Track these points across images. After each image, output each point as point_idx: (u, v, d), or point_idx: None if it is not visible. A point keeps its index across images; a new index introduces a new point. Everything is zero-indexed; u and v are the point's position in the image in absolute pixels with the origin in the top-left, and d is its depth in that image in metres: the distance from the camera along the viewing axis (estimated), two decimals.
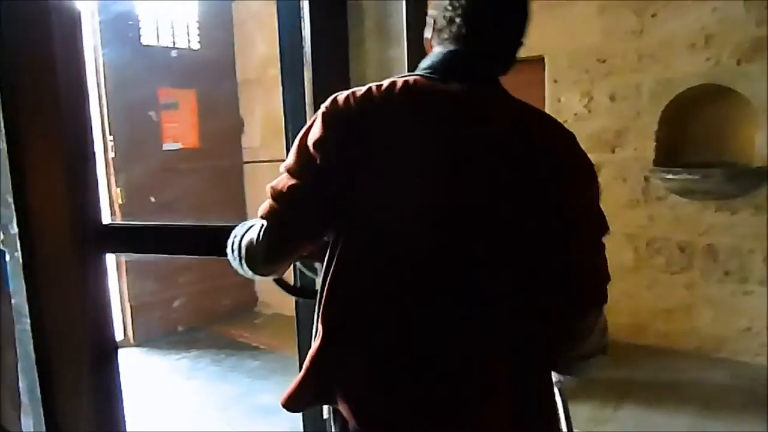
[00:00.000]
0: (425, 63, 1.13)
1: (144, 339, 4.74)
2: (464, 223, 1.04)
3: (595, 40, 4.15)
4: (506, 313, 1.07)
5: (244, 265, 1.18)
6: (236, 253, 1.19)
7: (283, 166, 1.14)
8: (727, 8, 3.67)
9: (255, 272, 1.18)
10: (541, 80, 4.39)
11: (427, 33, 1.17)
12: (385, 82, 1.10)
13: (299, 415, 2.25)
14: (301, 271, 1.52)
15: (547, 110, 4.28)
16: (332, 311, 1.11)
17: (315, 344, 1.12)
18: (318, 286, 1.18)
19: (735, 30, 3.65)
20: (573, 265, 1.07)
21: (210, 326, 5.00)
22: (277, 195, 1.12)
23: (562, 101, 4.33)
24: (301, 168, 1.10)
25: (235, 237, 1.21)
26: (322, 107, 1.11)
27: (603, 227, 1.09)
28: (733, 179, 3.76)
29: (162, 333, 4.82)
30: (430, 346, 1.07)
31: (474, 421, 1.06)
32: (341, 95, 1.11)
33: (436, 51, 1.13)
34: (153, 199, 4.59)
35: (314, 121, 1.11)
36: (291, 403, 1.14)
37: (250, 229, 1.18)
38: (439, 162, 1.05)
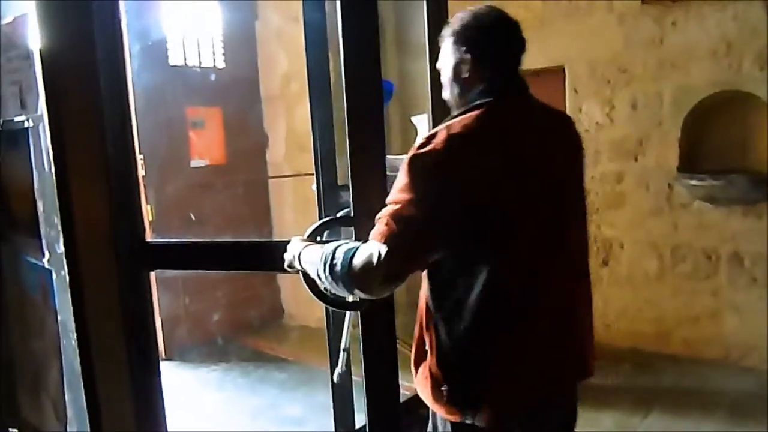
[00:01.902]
0: (487, 90, 1.37)
1: (174, 352, 4.82)
2: (566, 207, 1.43)
3: (615, 49, 4.16)
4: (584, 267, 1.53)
5: (350, 286, 1.25)
6: (339, 274, 1.24)
7: (398, 197, 1.26)
8: (747, 15, 3.67)
9: (366, 292, 1.25)
10: (562, 90, 4.38)
11: (465, 71, 1.41)
12: (478, 113, 1.32)
13: (328, 426, 2.29)
14: None
15: None
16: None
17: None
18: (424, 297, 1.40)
19: (756, 37, 3.65)
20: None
21: (238, 338, 5.07)
22: (402, 224, 1.22)
23: (584, 110, 4.34)
24: (428, 199, 1.24)
25: (334, 259, 1.26)
26: (443, 143, 1.26)
27: None
28: (757, 185, 3.75)
29: (191, 345, 4.89)
30: (562, 313, 1.42)
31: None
32: (453, 130, 1.28)
33: (489, 78, 1.38)
34: (193, 217, 4.69)
35: (437, 153, 1.25)
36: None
37: (356, 253, 1.23)
38: (546, 164, 1.38)
